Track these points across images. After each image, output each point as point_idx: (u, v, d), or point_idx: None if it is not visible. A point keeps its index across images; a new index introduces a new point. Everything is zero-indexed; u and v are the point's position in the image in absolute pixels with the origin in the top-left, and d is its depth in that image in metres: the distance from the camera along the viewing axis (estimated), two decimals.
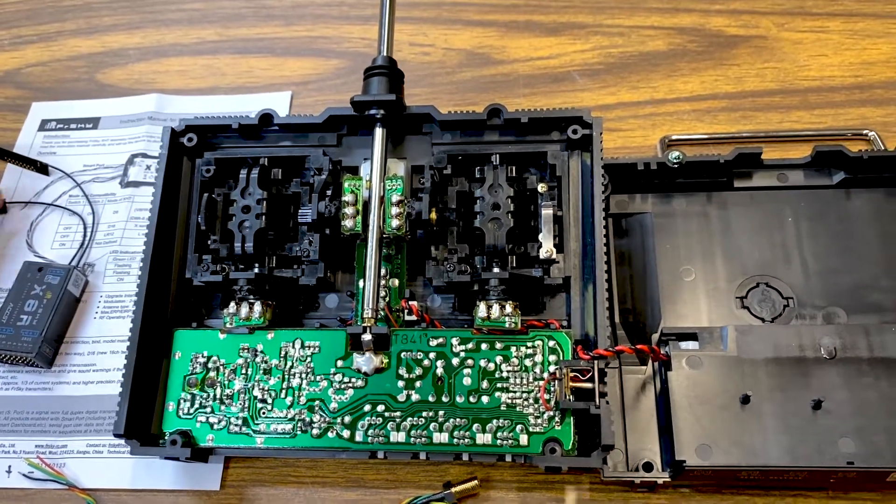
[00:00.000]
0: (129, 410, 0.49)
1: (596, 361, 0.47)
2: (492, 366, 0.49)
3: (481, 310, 0.49)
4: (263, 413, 0.50)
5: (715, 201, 0.57)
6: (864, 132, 0.62)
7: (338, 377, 0.50)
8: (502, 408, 0.48)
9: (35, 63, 0.76)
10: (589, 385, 0.47)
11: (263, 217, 0.52)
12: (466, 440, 0.48)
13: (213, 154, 0.56)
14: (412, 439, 0.48)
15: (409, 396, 0.49)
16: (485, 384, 0.49)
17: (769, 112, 0.64)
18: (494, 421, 0.48)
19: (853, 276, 0.54)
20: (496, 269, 0.50)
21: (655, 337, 0.51)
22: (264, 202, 0.53)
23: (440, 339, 0.50)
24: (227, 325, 0.52)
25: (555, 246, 0.51)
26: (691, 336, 0.50)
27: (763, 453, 0.46)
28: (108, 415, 0.56)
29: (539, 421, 0.48)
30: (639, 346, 0.49)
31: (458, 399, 0.49)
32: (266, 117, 0.55)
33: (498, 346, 0.50)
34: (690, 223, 0.56)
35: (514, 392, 0.49)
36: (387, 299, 0.53)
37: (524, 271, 0.50)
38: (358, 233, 0.52)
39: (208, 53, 0.74)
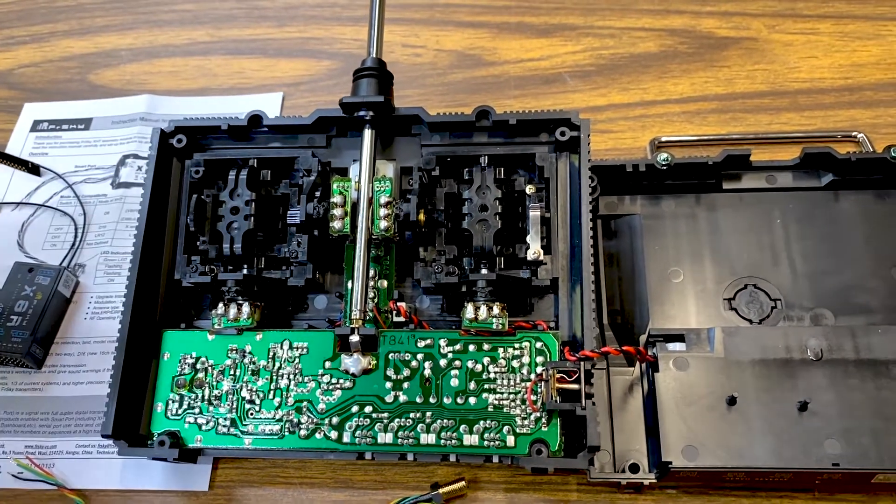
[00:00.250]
0: (118, 411, 0.49)
1: (582, 363, 0.47)
2: (479, 367, 0.49)
3: (469, 311, 0.50)
4: (251, 414, 0.50)
5: (704, 203, 0.57)
6: (854, 134, 0.62)
7: (326, 378, 0.50)
8: (489, 409, 0.49)
9: (27, 64, 0.76)
10: (575, 386, 0.47)
11: (252, 218, 0.53)
12: (454, 441, 0.48)
13: (202, 155, 0.56)
14: (400, 440, 0.48)
15: (396, 397, 0.49)
16: (472, 385, 0.49)
17: (759, 114, 0.64)
18: (481, 422, 0.48)
19: (841, 277, 0.54)
20: (484, 271, 0.50)
21: (643, 338, 0.52)
22: (253, 203, 0.53)
23: (428, 341, 0.50)
24: (216, 326, 0.52)
25: (542, 247, 0.51)
26: (679, 337, 0.51)
27: (749, 455, 0.46)
28: (98, 415, 0.56)
29: (526, 422, 0.48)
30: (625, 348, 0.49)
31: (446, 400, 0.49)
32: (255, 118, 0.56)
33: (485, 347, 0.50)
34: (679, 225, 0.57)
35: (502, 393, 0.49)
36: (375, 300, 0.53)
37: (512, 273, 0.50)
38: (346, 234, 0.52)
39: (200, 54, 0.74)
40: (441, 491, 0.50)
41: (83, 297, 0.61)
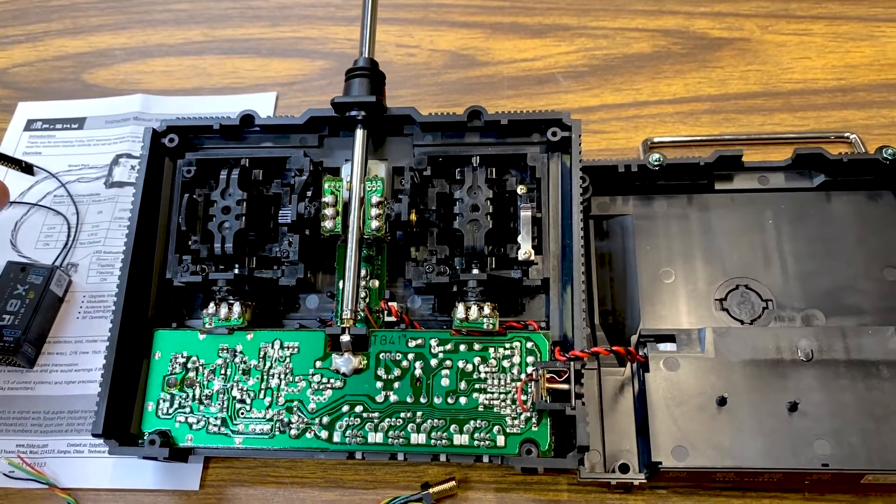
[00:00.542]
0: (108, 410, 0.49)
1: (572, 363, 0.47)
2: (470, 367, 0.49)
3: (460, 311, 0.50)
4: (242, 413, 0.50)
5: (696, 203, 0.57)
6: (846, 135, 0.62)
7: (316, 378, 0.50)
8: (480, 409, 0.49)
9: (21, 63, 0.76)
10: (565, 386, 0.47)
11: (243, 218, 0.53)
12: (444, 441, 0.48)
13: (194, 155, 0.56)
14: (390, 440, 0.48)
15: (387, 397, 0.49)
16: (463, 385, 0.49)
17: (752, 114, 0.64)
18: (472, 422, 0.48)
19: (832, 278, 0.54)
20: (475, 271, 0.50)
21: (634, 338, 0.52)
22: (244, 203, 0.53)
23: (419, 341, 0.50)
24: (207, 326, 0.52)
25: (533, 248, 0.51)
26: (669, 338, 0.51)
27: (739, 455, 0.46)
28: (90, 414, 0.56)
29: (516, 422, 0.48)
30: (615, 348, 0.49)
31: (436, 400, 0.49)
32: (247, 118, 0.56)
33: (476, 347, 0.50)
34: (671, 225, 0.57)
35: (492, 393, 0.49)
36: (367, 300, 0.53)
37: (503, 273, 0.50)
38: (338, 234, 0.52)
39: (194, 54, 0.74)
40: (431, 491, 0.50)
41: (76, 297, 0.61)
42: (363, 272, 0.53)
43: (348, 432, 0.49)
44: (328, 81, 0.71)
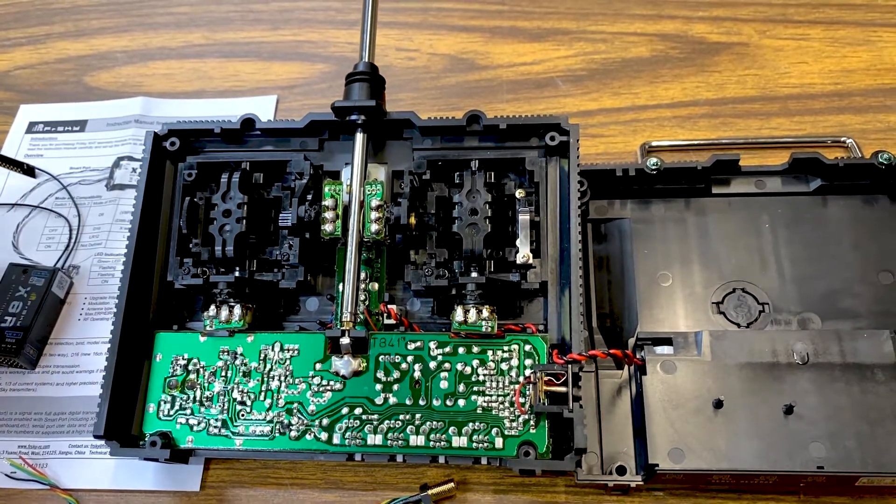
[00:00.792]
0: (110, 412, 0.49)
1: (570, 366, 0.47)
2: (468, 369, 0.50)
3: (458, 314, 0.50)
4: (242, 415, 0.51)
5: (693, 207, 0.58)
6: (843, 139, 0.62)
7: (316, 380, 0.51)
8: (478, 411, 0.49)
9: (23, 65, 0.76)
10: (563, 389, 0.47)
11: (244, 221, 0.53)
12: (443, 443, 0.48)
13: (195, 158, 0.56)
14: (389, 442, 0.49)
15: (386, 399, 0.50)
16: (461, 388, 0.50)
17: (749, 119, 0.65)
18: (470, 424, 0.49)
19: (828, 282, 0.55)
20: (474, 274, 0.51)
21: (631, 341, 0.52)
22: (245, 206, 0.53)
23: (418, 343, 0.51)
24: (208, 328, 0.52)
25: (532, 251, 0.51)
26: (667, 341, 0.51)
27: (735, 457, 0.46)
28: (91, 416, 0.56)
29: (514, 424, 0.48)
30: (612, 351, 0.49)
31: (435, 402, 0.49)
32: (248, 122, 0.56)
33: (475, 349, 0.50)
34: (668, 229, 0.57)
35: (490, 395, 0.49)
36: (366, 303, 0.53)
37: (501, 276, 0.51)
38: (338, 237, 0.52)
39: (195, 57, 0.74)
40: (430, 492, 0.51)
41: (77, 298, 0.62)
42: (363, 275, 0.53)
43: (348, 434, 0.49)
44: (328, 85, 0.71)
